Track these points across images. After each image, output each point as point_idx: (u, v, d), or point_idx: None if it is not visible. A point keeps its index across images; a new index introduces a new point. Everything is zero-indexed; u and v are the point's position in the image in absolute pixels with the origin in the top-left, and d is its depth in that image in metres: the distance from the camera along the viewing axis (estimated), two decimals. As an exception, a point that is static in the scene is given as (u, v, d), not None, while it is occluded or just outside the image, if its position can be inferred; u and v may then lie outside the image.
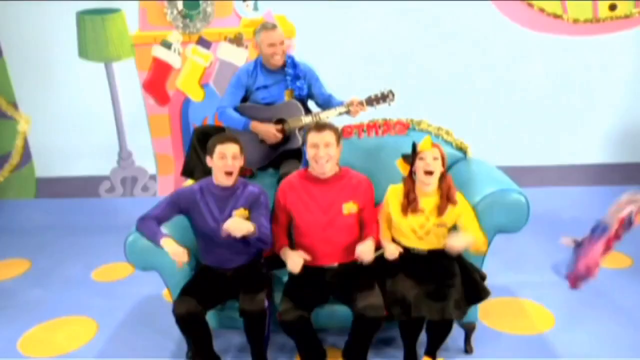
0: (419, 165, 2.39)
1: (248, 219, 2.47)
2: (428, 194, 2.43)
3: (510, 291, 3.23)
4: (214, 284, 2.51)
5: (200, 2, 4.33)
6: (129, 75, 4.60)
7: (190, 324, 2.39)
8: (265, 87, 3.03)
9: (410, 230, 2.43)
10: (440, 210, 2.40)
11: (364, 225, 2.54)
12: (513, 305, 3.09)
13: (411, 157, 2.44)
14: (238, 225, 2.33)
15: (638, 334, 2.76)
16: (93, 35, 4.52)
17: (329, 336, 2.80)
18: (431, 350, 2.52)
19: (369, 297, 2.33)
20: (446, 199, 2.40)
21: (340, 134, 2.55)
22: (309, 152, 2.48)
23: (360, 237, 2.52)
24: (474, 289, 2.37)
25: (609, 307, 3.03)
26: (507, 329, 2.85)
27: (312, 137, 2.45)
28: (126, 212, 4.55)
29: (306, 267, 2.48)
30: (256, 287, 2.46)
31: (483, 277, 2.43)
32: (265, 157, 3.04)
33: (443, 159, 2.40)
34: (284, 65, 3.02)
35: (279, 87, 3.02)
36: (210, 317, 2.56)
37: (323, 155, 2.43)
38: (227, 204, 2.49)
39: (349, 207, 2.49)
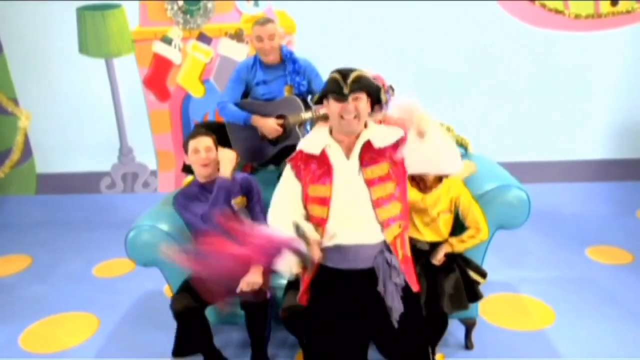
0: None
1: (246, 207, 2.52)
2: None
3: (510, 287, 3.22)
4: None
5: (201, -3, 4.33)
6: (130, 71, 4.59)
7: (189, 319, 2.39)
8: (264, 82, 3.01)
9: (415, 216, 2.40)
10: (428, 184, 2.37)
11: None
12: (514, 301, 3.09)
13: None
14: (253, 280, 2.34)
15: (638, 330, 2.76)
16: (93, 31, 4.51)
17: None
18: (430, 346, 2.51)
19: None
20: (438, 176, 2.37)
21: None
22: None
23: None
24: (469, 289, 2.37)
25: (610, 303, 3.02)
26: (508, 324, 2.86)
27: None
28: (127, 208, 4.56)
29: None
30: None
31: (484, 274, 2.41)
32: (265, 153, 3.04)
33: None
34: (283, 61, 3.00)
35: (279, 83, 3.01)
36: (210, 312, 2.56)
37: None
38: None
39: None
